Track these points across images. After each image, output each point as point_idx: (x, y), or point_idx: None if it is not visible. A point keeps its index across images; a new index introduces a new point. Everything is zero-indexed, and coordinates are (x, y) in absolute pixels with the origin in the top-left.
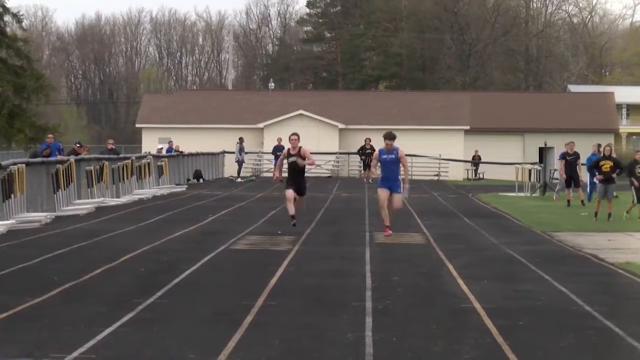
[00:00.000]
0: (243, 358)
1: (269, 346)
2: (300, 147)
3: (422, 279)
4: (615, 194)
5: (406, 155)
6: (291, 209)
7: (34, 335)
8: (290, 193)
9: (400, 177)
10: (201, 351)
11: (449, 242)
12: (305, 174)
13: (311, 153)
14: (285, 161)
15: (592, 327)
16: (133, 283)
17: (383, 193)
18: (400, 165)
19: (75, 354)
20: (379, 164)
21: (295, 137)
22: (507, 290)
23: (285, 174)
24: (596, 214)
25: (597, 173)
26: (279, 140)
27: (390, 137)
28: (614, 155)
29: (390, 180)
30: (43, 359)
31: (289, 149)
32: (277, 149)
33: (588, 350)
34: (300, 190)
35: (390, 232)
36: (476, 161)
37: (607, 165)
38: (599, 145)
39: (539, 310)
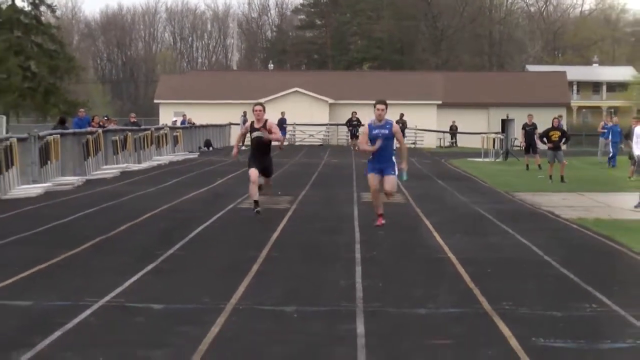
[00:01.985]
0: (251, 302)
1: (272, 292)
2: (267, 120)
3: (403, 234)
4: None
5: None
6: (254, 194)
7: (70, 283)
8: (254, 173)
9: (394, 159)
10: (215, 296)
11: (425, 201)
12: (271, 153)
13: (305, 125)
14: (248, 136)
15: (550, 275)
16: (154, 237)
17: (374, 179)
18: (395, 141)
19: (107, 298)
20: (369, 142)
21: (260, 108)
22: (476, 243)
23: (245, 153)
24: (550, 176)
25: (547, 141)
26: (282, 114)
27: (382, 102)
28: (562, 126)
29: (382, 160)
30: (79, 303)
31: (252, 122)
32: (282, 122)
33: (548, 294)
34: (265, 171)
35: (383, 221)
36: (453, 131)
37: (555, 135)
38: (560, 117)
39: (504, 259)
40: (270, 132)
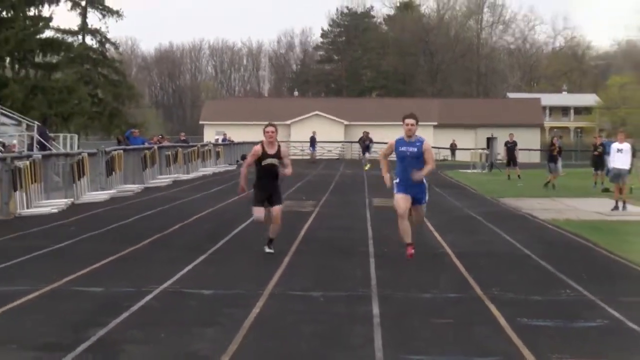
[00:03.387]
0: (284, 288)
1: (301, 279)
2: (279, 145)
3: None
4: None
5: (380, 143)
6: (267, 231)
7: (134, 272)
8: (259, 213)
9: (426, 183)
10: (255, 283)
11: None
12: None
13: (324, 142)
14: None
15: (531, 265)
16: (202, 235)
17: (403, 201)
18: (425, 160)
19: (165, 285)
20: (393, 157)
21: (272, 130)
22: (469, 240)
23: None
24: (547, 183)
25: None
26: (314, 133)
27: (411, 116)
28: (560, 143)
29: (412, 184)
30: (142, 289)
31: (262, 146)
32: (313, 139)
33: (529, 282)
34: (273, 198)
35: (413, 251)
36: (453, 148)
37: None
38: (557, 137)
39: (492, 253)
40: (284, 163)
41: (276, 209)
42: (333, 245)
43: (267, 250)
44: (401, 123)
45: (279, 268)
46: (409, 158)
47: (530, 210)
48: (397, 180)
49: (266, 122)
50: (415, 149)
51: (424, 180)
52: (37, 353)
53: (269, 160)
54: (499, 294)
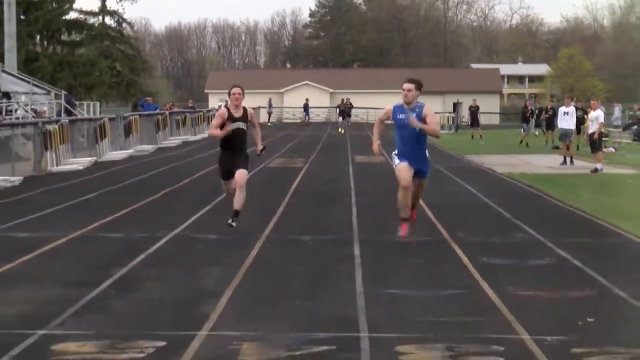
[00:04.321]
0: (278, 233)
1: (294, 225)
2: (246, 109)
3: (384, 185)
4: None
5: (360, 108)
6: (235, 203)
7: (149, 220)
8: (228, 186)
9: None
10: (254, 227)
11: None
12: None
13: (313, 107)
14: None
15: (490, 212)
16: (208, 189)
17: (406, 170)
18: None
19: (176, 231)
20: (396, 128)
21: (239, 91)
22: (437, 191)
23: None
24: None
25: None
26: (307, 99)
27: (410, 80)
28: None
29: (414, 158)
30: (156, 234)
31: (228, 109)
32: (306, 106)
33: (489, 227)
34: (238, 163)
35: (407, 228)
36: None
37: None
38: (529, 100)
39: (458, 203)
40: (253, 126)
41: (240, 174)
42: (320, 197)
43: (230, 222)
44: (379, 90)
45: (275, 216)
46: (407, 127)
47: (490, 165)
48: (396, 151)
49: (264, 90)
50: (415, 116)
51: (427, 154)
52: (67, 289)
53: (236, 124)
54: (462, 237)
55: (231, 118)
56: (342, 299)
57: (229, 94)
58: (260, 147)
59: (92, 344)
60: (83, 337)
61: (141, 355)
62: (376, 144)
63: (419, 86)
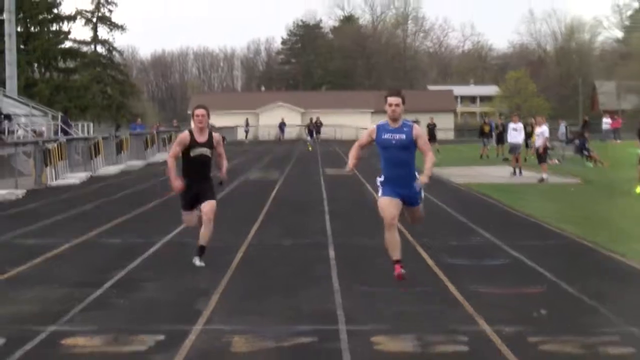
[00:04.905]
0: (261, 239)
1: (274, 230)
2: (211, 132)
3: (354, 194)
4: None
5: (329, 126)
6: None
7: (144, 227)
8: (190, 217)
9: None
10: (237, 236)
11: (366, 172)
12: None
13: (286, 126)
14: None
15: (450, 219)
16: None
17: (390, 206)
18: (419, 150)
19: (169, 237)
20: (380, 151)
21: (202, 112)
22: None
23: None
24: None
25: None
26: (282, 119)
27: (395, 93)
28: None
29: (403, 183)
30: (151, 240)
31: (190, 133)
32: (282, 124)
33: (449, 231)
34: (204, 193)
35: (403, 270)
36: None
37: (486, 128)
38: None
39: None
40: (218, 154)
41: (209, 206)
42: (297, 205)
43: (197, 262)
44: (346, 110)
45: (256, 224)
46: (395, 148)
47: (448, 176)
48: (382, 179)
49: (241, 111)
50: (404, 136)
51: (416, 174)
52: (73, 289)
53: (199, 150)
54: (426, 240)
55: (193, 144)
56: (321, 296)
57: (193, 115)
58: (225, 173)
59: (98, 338)
60: (90, 332)
61: (143, 347)
62: (352, 162)
63: (404, 100)
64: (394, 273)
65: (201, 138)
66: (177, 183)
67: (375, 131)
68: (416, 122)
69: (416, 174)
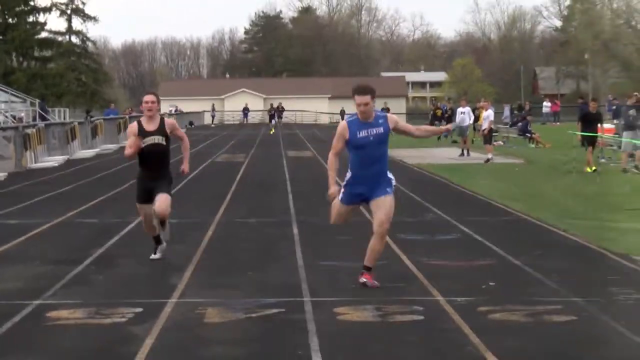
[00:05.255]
0: (228, 217)
1: (241, 209)
2: (163, 118)
3: (314, 174)
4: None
5: (290, 111)
6: (153, 233)
7: (119, 208)
8: (145, 210)
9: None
10: (207, 214)
11: (324, 154)
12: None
13: (250, 111)
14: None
15: (404, 197)
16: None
17: (340, 211)
18: (403, 132)
19: None
20: (351, 152)
21: (152, 99)
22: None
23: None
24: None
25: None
26: (246, 104)
27: (364, 90)
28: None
29: (370, 179)
30: (126, 219)
31: (139, 123)
32: (246, 109)
33: (404, 209)
34: (158, 186)
35: (376, 282)
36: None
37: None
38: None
39: None
40: (178, 136)
41: (161, 201)
42: (261, 185)
43: (153, 256)
44: (305, 96)
45: (224, 203)
46: (373, 145)
47: (401, 157)
48: (348, 178)
49: (207, 97)
50: (382, 129)
51: (388, 173)
52: (54, 266)
53: (150, 139)
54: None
55: (142, 133)
56: (286, 270)
57: (143, 102)
58: (187, 167)
59: (81, 310)
60: (72, 305)
61: (123, 319)
62: (333, 189)
63: (374, 94)
64: (361, 280)
65: (150, 126)
66: (130, 150)
67: (347, 130)
68: (386, 108)
69: (389, 172)
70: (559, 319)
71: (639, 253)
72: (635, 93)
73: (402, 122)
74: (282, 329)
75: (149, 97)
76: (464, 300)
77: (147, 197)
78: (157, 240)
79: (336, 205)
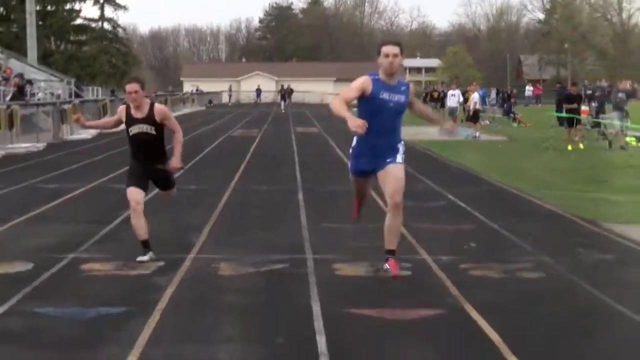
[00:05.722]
0: (242, 185)
1: (253, 179)
2: (153, 104)
3: (319, 148)
4: None
5: (299, 92)
6: (140, 230)
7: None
8: (134, 195)
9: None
10: (222, 181)
11: (329, 130)
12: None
13: (262, 91)
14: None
15: None
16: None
17: (360, 183)
18: (417, 111)
19: None
20: (367, 114)
21: (135, 88)
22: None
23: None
24: None
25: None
26: (259, 85)
27: (394, 41)
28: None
29: (385, 148)
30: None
31: (127, 108)
32: (259, 90)
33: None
34: (161, 183)
35: (397, 271)
36: None
37: (435, 94)
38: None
39: None
40: (159, 125)
41: (169, 192)
42: (272, 157)
43: (141, 257)
44: (313, 79)
45: (238, 172)
46: (390, 112)
47: None
48: (354, 145)
49: (225, 79)
50: (403, 97)
51: (400, 143)
52: (88, 225)
53: (137, 128)
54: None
55: (130, 120)
56: (292, 231)
57: (127, 91)
58: (177, 162)
59: (111, 264)
60: (104, 259)
61: (147, 271)
62: (350, 116)
63: (403, 51)
64: (385, 266)
65: (139, 113)
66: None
67: (371, 84)
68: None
69: (401, 142)
70: (530, 276)
71: (605, 219)
72: (628, 80)
73: (419, 101)
74: (287, 281)
75: (131, 87)
76: (447, 259)
77: (141, 183)
78: (146, 245)
79: (354, 180)
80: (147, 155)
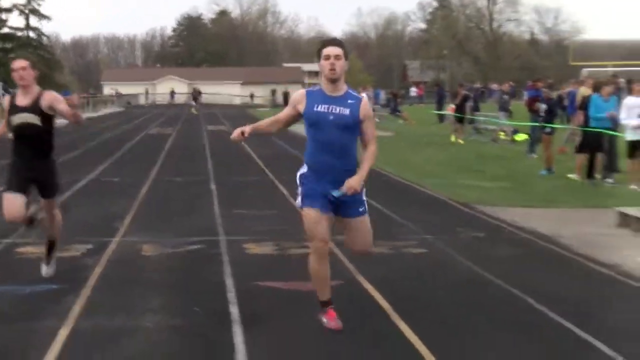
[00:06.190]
0: (159, 177)
1: (170, 172)
2: (42, 92)
3: (227, 144)
4: None
5: (208, 94)
6: (19, 218)
7: (76, 168)
8: (12, 205)
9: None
10: (142, 175)
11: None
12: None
13: (175, 94)
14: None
15: (295, 159)
16: (102, 148)
17: (319, 222)
18: (364, 136)
19: (91, 176)
20: (309, 127)
21: (23, 65)
22: (268, 150)
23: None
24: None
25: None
26: (172, 89)
27: (335, 42)
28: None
29: (335, 174)
30: (79, 177)
31: (13, 98)
32: (172, 93)
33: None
34: (43, 187)
35: (338, 323)
36: (252, 96)
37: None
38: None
39: (280, 155)
40: (62, 113)
41: (50, 203)
42: (186, 152)
43: (44, 270)
44: (221, 82)
45: (156, 166)
46: (332, 127)
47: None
48: (304, 171)
49: (142, 82)
50: (347, 111)
51: (355, 164)
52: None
53: (19, 118)
54: (285, 178)
55: (13, 109)
56: (206, 217)
57: (12, 70)
58: (75, 99)
59: (44, 246)
60: (37, 243)
61: (78, 253)
62: (241, 130)
63: (347, 55)
64: (328, 322)
65: (24, 100)
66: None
67: (305, 98)
68: (274, 90)
69: (356, 160)
70: (414, 251)
71: (477, 202)
72: (508, 82)
73: (372, 123)
74: (203, 260)
75: (18, 63)
76: (341, 238)
77: (23, 187)
78: (31, 221)
79: (307, 215)
80: (29, 148)
